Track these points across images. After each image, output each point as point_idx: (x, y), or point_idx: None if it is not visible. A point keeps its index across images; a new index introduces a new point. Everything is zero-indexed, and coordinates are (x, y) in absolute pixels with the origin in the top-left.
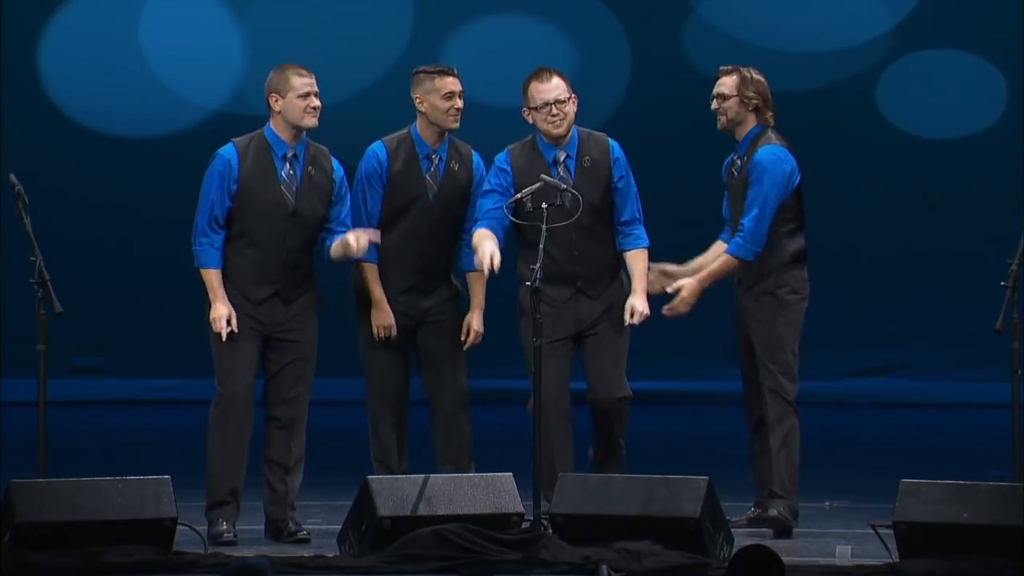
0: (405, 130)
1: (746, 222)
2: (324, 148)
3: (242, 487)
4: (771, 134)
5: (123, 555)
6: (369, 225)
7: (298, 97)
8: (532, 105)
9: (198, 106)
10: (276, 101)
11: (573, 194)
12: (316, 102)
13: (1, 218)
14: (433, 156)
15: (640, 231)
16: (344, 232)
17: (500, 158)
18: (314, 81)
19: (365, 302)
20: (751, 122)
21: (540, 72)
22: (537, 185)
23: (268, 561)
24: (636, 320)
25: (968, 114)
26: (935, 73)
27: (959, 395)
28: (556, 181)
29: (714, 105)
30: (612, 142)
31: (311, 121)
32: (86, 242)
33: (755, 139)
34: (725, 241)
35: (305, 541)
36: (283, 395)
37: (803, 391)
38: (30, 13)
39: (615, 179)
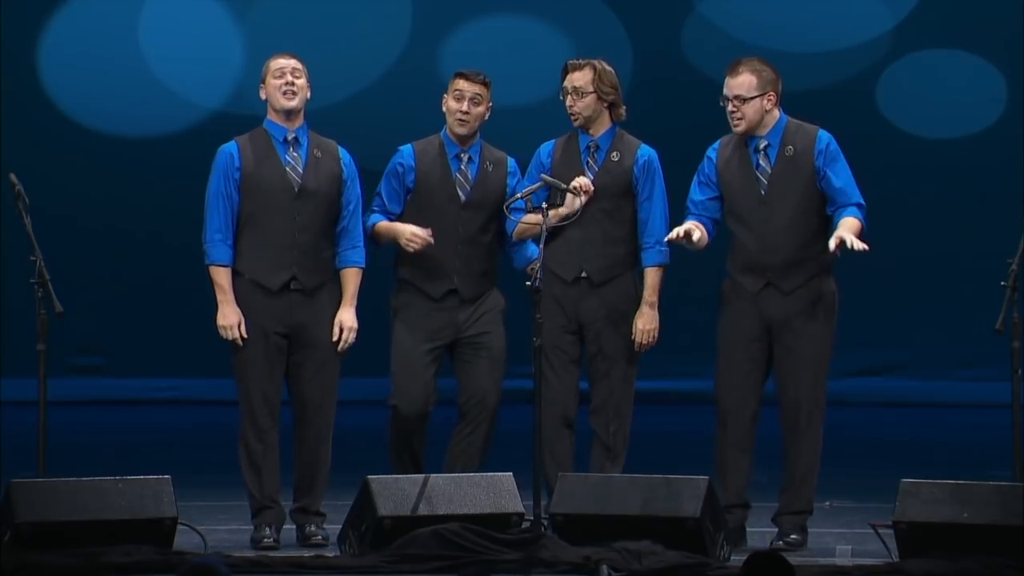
0: (436, 134)
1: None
2: (331, 140)
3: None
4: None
5: (123, 555)
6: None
7: (274, 78)
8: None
9: (198, 106)
10: (262, 90)
11: (573, 193)
12: (290, 79)
13: (1, 218)
14: (462, 155)
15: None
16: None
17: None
18: (294, 63)
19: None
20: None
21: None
22: (537, 184)
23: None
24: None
25: (968, 114)
26: (935, 73)
27: (959, 395)
28: (556, 181)
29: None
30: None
31: (287, 102)
32: (86, 242)
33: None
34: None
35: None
36: (306, 398)
37: None
38: (30, 13)
39: (819, 175)
